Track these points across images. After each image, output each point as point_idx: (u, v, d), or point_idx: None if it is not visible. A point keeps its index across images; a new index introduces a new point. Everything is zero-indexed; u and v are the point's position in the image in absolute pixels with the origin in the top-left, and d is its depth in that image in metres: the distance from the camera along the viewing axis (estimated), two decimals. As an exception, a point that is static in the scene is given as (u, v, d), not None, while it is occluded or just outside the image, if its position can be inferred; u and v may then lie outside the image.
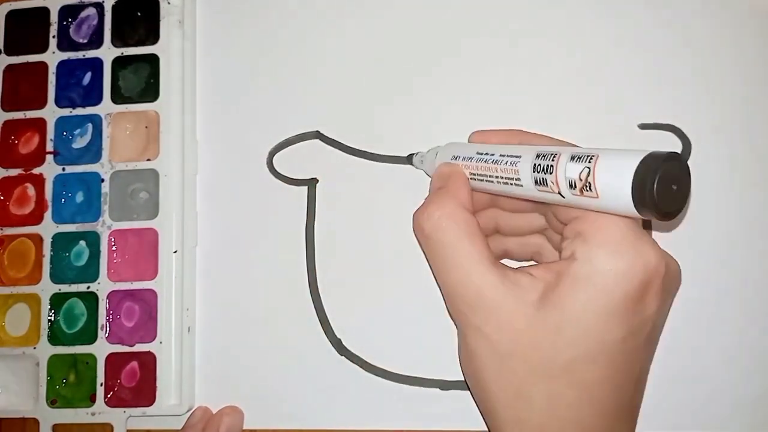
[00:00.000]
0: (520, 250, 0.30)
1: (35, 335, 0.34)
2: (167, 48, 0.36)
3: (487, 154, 0.26)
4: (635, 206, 0.20)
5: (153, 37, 0.36)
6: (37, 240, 0.35)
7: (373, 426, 0.33)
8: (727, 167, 0.32)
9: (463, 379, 0.32)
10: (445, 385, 0.32)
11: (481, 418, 0.28)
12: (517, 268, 0.25)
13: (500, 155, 0.25)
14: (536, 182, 0.23)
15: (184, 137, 0.35)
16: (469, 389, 0.29)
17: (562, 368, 0.23)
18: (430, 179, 0.30)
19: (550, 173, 0.23)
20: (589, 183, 0.21)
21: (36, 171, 0.36)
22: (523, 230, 0.29)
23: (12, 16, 0.37)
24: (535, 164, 0.23)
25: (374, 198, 0.34)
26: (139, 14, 0.36)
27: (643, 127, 0.33)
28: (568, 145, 0.25)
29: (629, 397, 0.25)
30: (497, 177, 0.25)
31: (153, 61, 0.36)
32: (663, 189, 0.19)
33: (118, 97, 0.36)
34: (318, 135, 0.35)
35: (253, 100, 0.36)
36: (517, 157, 0.24)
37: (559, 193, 0.22)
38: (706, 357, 0.31)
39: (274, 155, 0.35)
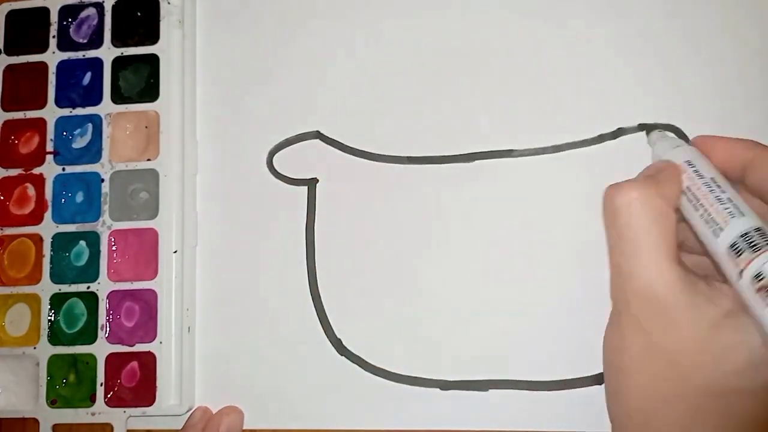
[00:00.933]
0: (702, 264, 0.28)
1: (35, 335, 0.34)
2: (167, 48, 0.36)
3: (718, 188, 0.24)
4: None
5: (153, 37, 0.36)
6: (37, 240, 0.35)
7: (373, 426, 0.33)
8: (727, 167, 0.32)
9: (462, 379, 0.32)
10: (445, 385, 0.32)
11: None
12: (705, 276, 0.24)
13: (727, 199, 0.23)
14: (732, 246, 0.22)
15: (184, 137, 0.35)
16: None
17: (720, 394, 0.22)
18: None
19: (756, 250, 0.21)
20: None
21: (36, 171, 0.36)
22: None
23: (12, 16, 0.37)
24: (748, 233, 0.22)
25: (374, 198, 0.34)
26: (139, 14, 0.36)
27: (643, 127, 0.33)
28: None
29: None
30: (704, 210, 0.24)
31: (153, 61, 0.36)
32: None
33: (118, 97, 0.36)
34: (318, 135, 0.35)
35: (253, 100, 0.36)
36: (740, 213, 0.23)
37: (741, 272, 0.21)
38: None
39: (274, 155, 0.35)
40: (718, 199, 0.23)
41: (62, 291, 0.34)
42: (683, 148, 0.27)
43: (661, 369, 0.23)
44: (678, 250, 0.24)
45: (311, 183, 0.35)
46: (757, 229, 0.22)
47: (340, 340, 0.33)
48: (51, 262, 0.35)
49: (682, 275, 0.23)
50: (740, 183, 0.25)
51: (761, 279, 0.20)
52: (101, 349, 0.34)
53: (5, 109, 0.37)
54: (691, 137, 0.33)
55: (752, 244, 0.21)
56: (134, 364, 0.34)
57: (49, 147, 0.36)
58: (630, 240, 0.24)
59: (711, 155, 0.26)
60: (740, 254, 0.21)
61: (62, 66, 0.36)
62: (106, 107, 0.36)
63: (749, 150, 0.25)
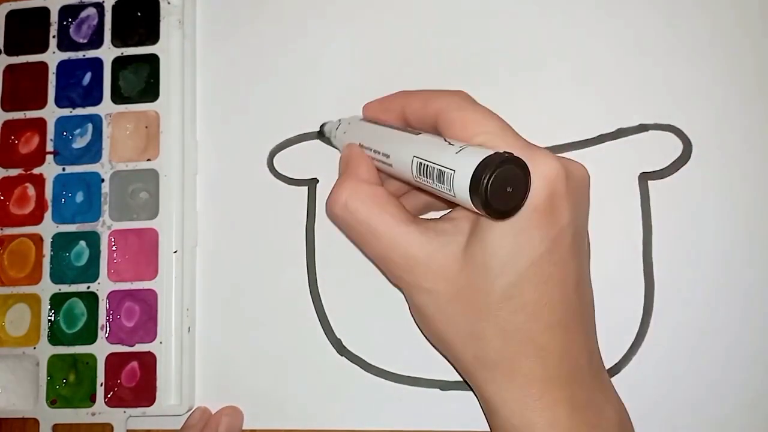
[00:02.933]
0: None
1: (35, 335, 0.34)
2: (167, 48, 0.36)
3: (371, 150, 0.28)
4: (470, 199, 0.22)
5: (153, 37, 0.36)
6: (37, 240, 0.35)
7: (373, 426, 0.33)
8: (727, 167, 0.32)
9: (463, 379, 0.32)
10: (445, 385, 0.32)
11: (484, 417, 0.29)
12: (439, 218, 0.27)
13: (374, 151, 0.28)
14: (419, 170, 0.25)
15: (184, 137, 0.35)
16: (435, 347, 0.30)
17: (501, 298, 0.24)
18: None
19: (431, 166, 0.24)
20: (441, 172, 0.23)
21: (36, 171, 0.36)
22: None
23: (12, 16, 0.37)
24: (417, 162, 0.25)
25: (374, 198, 0.34)
26: (139, 14, 0.36)
27: (643, 127, 0.33)
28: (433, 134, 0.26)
29: (574, 307, 0.25)
30: (377, 152, 0.28)
31: (153, 61, 0.36)
32: (496, 188, 0.22)
33: (118, 97, 0.36)
34: (318, 135, 0.35)
35: (253, 100, 0.36)
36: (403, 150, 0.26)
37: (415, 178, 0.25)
38: (707, 357, 0.31)
39: (274, 155, 0.35)
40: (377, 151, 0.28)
41: (62, 291, 0.34)
42: (343, 127, 0.31)
43: (455, 310, 0.26)
44: (405, 210, 0.27)
45: (311, 183, 0.35)
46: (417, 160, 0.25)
47: (340, 340, 0.33)
48: (51, 262, 0.35)
49: (422, 229, 0.26)
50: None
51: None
52: (101, 349, 0.34)
53: (5, 109, 0.37)
54: (691, 137, 0.33)
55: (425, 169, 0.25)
56: (134, 364, 0.34)
57: (49, 147, 0.36)
58: (367, 232, 0.27)
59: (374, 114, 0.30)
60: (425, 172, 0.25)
61: (62, 66, 0.36)
62: (106, 107, 0.36)
63: (398, 101, 0.29)
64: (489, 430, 0.32)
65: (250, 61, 0.36)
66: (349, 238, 0.29)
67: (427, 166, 0.24)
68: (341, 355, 0.33)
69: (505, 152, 0.22)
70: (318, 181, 0.35)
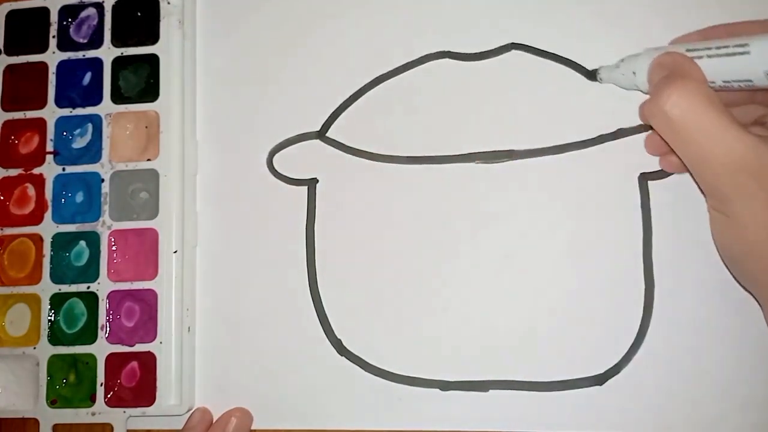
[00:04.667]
0: None
1: (35, 335, 0.34)
2: (167, 48, 0.36)
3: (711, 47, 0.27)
4: None
5: (153, 37, 0.36)
6: (37, 240, 0.35)
7: (373, 426, 0.33)
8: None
9: (462, 379, 0.32)
10: (445, 385, 0.32)
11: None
12: None
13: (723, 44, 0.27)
14: None
15: (184, 137, 0.35)
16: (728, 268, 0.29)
17: None
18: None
19: None
20: None
21: (36, 171, 0.36)
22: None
23: (12, 16, 0.37)
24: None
25: (374, 198, 0.34)
26: (139, 14, 0.36)
27: (643, 127, 0.33)
28: None
29: None
30: (721, 47, 0.27)
31: (153, 61, 0.36)
32: None
33: (118, 97, 0.36)
34: (319, 135, 0.35)
35: (253, 100, 0.36)
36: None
37: None
38: (707, 357, 0.31)
39: (274, 155, 0.35)
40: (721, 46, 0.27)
41: (62, 291, 0.34)
42: (648, 51, 0.30)
43: None
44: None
45: (311, 183, 0.35)
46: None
47: (340, 340, 0.33)
48: (51, 262, 0.35)
49: (756, 138, 0.24)
50: None
51: None
52: (101, 349, 0.34)
53: (5, 109, 0.37)
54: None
55: None
56: (134, 364, 0.34)
57: (49, 147, 0.36)
58: (702, 130, 0.25)
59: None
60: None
61: (62, 66, 0.36)
62: (106, 107, 0.36)
63: (722, 30, 0.29)
64: (489, 430, 0.32)
65: (250, 61, 0.36)
66: (671, 140, 0.27)
67: None
68: (341, 355, 0.33)
69: None
70: (318, 181, 0.35)
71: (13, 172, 0.36)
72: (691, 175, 0.28)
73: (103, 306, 0.34)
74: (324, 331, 0.33)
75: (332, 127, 0.35)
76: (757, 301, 0.28)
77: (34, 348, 0.34)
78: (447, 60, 0.35)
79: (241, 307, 0.34)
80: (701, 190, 0.28)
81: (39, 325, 0.34)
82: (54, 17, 0.37)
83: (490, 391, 0.32)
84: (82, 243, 0.35)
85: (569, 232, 0.33)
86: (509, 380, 0.32)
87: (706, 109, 0.25)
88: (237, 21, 0.37)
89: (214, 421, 0.33)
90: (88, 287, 0.34)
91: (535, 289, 0.32)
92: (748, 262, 0.27)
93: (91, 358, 0.34)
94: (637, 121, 0.33)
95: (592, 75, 0.33)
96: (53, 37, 0.37)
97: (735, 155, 0.25)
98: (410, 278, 0.33)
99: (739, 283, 0.29)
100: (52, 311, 0.34)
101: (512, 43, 0.34)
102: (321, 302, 0.34)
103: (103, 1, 0.37)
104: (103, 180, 0.35)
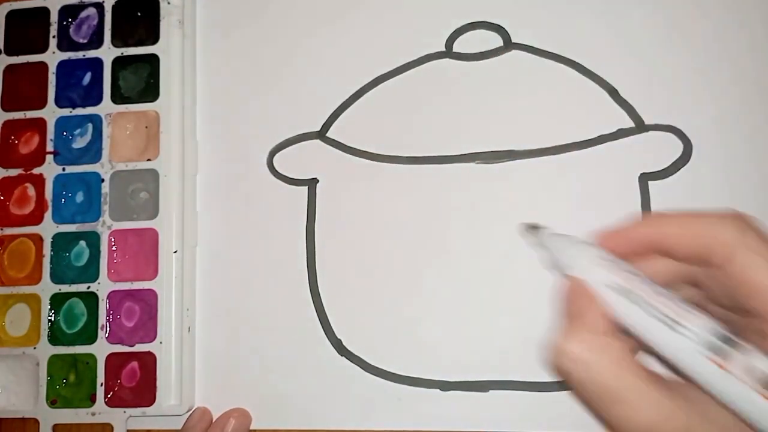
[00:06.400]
0: None
1: (35, 335, 0.34)
2: (167, 48, 0.36)
3: (653, 283, 0.22)
4: None
5: (153, 37, 0.36)
6: (37, 240, 0.35)
7: (373, 426, 0.33)
8: (727, 167, 0.32)
9: (462, 379, 0.32)
10: (445, 385, 0.32)
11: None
12: (679, 382, 0.22)
13: (668, 293, 0.21)
14: (704, 344, 0.20)
15: (184, 137, 0.35)
16: None
17: None
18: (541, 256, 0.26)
19: (732, 346, 0.20)
20: None
21: (36, 171, 0.36)
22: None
23: (12, 16, 0.37)
24: (714, 328, 0.20)
25: (374, 198, 0.34)
26: (139, 14, 0.36)
27: (643, 127, 0.33)
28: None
29: None
30: (653, 307, 0.21)
31: (153, 61, 0.36)
32: None
33: (118, 97, 0.36)
34: (319, 135, 0.35)
35: (253, 100, 0.36)
36: (690, 308, 0.21)
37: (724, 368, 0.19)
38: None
39: (274, 155, 0.35)
40: (661, 293, 0.21)
41: (62, 291, 0.34)
42: (574, 248, 0.24)
43: None
44: (648, 370, 0.22)
45: (311, 183, 0.35)
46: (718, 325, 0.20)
47: (340, 340, 0.33)
48: (51, 262, 0.35)
49: (671, 395, 0.21)
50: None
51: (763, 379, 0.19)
52: (101, 349, 0.34)
53: (5, 109, 0.37)
54: (691, 137, 0.33)
55: (725, 339, 0.20)
56: (134, 364, 0.34)
57: (49, 147, 0.36)
58: (605, 392, 0.22)
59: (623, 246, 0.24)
60: (722, 353, 0.19)
61: (62, 66, 0.36)
62: (106, 107, 0.36)
63: (647, 246, 0.23)
64: (489, 430, 0.32)
65: (250, 61, 0.36)
66: (576, 393, 0.24)
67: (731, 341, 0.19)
68: (341, 355, 0.33)
69: None
70: (318, 181, 0.35)
71: (13, 172, 0.36)
72: None
73: (103, 306, 0.34)
74: (324, 331, 0.33)
75: (332, 127, 0.35)
76: None
77: (34, 348, 0.34)
78: (447, 60, 0.35)
79: (241, 307, 0.34)
80: None
81: (39, 325, 0.34)
82: (54, 17, 0.37)
83: (490, 391, 0.32)
84: (82, 243, 0.35)
85: (569, 232, 0.33)
86: (509, 380, 0.32)
87: (612, 371, 0.22)
88: (237, 21, 0.37)
89: (213, 421, 0.33)
90: (88, 287, 0.34)
91: (535, 289, 0.32)
92: None
93: (91, 358, 0.34)
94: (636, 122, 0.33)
95: (590, 73, 0.33)
96: (53, 37, 0.37)
97: (651, 421, 0.21)
98: (410, 278, 0.33)
99: None
100: (52, 311, 0.34)
101: (512, 43, 0.34)
102: (321, 302, 0.34)
103: (103, 1, 0.37)
104: (103, 180, 0.35)
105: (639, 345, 0.23)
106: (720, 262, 0.21)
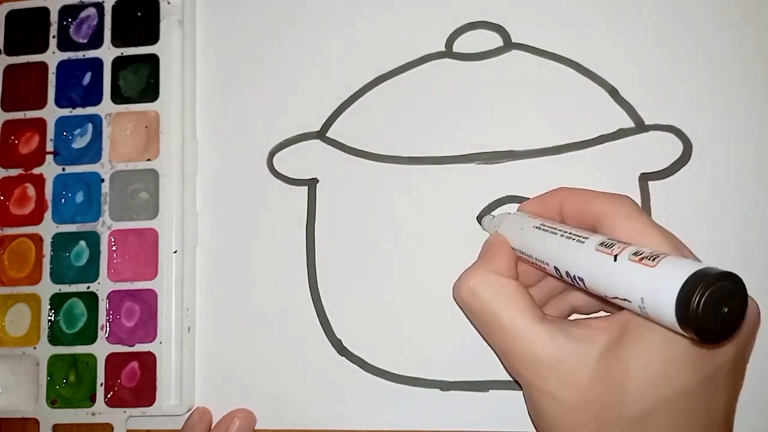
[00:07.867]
0: (586, 304, 0.30)
1: (35, 335, 0.34)
2: (167, 48, 0.36)
3: (549, 228, 0.26)
4: (678, 323, 0.19)
5: (153, 37, 0.36)
6: (37, 240, 0.35)
7: (373, 426, 0.33)
8: (727, 167, 0.32)
9: (462, 379, 0.32)
10: (445, 385, 0.32)
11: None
12: (574, 320, 0.25)
13: (562, 232, 0.25)
14: (601, 243, 0.23)
15: (184, 137, 0.35)
16: None
17: (633, 421, 0.23)
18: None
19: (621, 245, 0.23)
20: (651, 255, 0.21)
21: (36, 171, 0.36)
22: None
23: (12, 16, 0.37)
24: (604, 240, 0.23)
25: (374, 198, 0.34)
26: (139, 14, 0.36)
27: (643, 127, 0.33)
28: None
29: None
30: (563, 230, 0.25)
31: (153, 61, 0.36)
32: (709, 309, 0.19)
33: (118, 97, 0.36)
34: (319, 135, 0.35)
35: (253, 100, 0.36)
36: (583, 237, 0.24)
37: (615, 256, 0.22)
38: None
39: (274, 155, 0.35)
40: (568, 226, 0.26)
41: (62, 291, 0.34)
42: (504, 218, 0.30)
43: (578, 420, 0.24)
44: (538, 307, 0.25)
45: (311, 183, 0.35)
46: (601, 243, 0.23)
47: (340, 340, 0.33)
48: (51, 262, 0.35)
49: (552, 329, 0.24)
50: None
51: (640, 254, 0.21)
52: (101, 349, 0.34)
53: (5, 109, 0.37)
54: (691, 137, 0.33)
55: (612, 241, 0.23)
56: (134, 364, 0.34)
57: (49, 147, 0.36)
58: (491, 321, 0.25)
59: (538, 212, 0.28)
60: (611, 246, 0.23)
61: (62, 66, 0.36)
62: (106, 107, 0.36)
63: (557, 197, 0.28)
64: (489, 430, 0.32)
65: (250, 60, 0.36)
66: (472, 323, 0.28)
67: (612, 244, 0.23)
68: (341, 355, 0.33)
69: (713, 268, 0.19)
70: (318, 181, 0.35)
71: (13, 172, 0.36)
72: None
73: (103, 306, 0.34)
74: (324, 331, 0.33)
75: (332, 127, 0.35)
76: None
77: (34, 348, 0.34)
78: (447, 60, 0.35)
79: (241, 307, 0.34)
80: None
81: (39, 325, 0.34)
82: (54, 17, 0.37)
83: (490, 391, 0.32)
84: (82, 243, 0.35)
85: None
86: (509, 380, 0.32)
87: (497, 300, 0.25)
88: (237, 21, 0.37)
89: (213, 421, 0.33)
90: (88, 287, 0.34)
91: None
92: None
93: (91, 358, 0.34)
94: (637, 122, 0.33)
95: (590, 73, 0.33)
96: (53, 37, 0.37)
97: (528, 351, 0.24)
98: (410, 278, 0.33)
99: None
100: (52, 311, 0.34)
101: (512, 43, 0.34)
102: (321, 302, 0.34)
103: (103, 1, 0.37)
104: (103, 180, 0.35)
105: (547, 273, 0.26)
106: (605, 231, 0.25)
